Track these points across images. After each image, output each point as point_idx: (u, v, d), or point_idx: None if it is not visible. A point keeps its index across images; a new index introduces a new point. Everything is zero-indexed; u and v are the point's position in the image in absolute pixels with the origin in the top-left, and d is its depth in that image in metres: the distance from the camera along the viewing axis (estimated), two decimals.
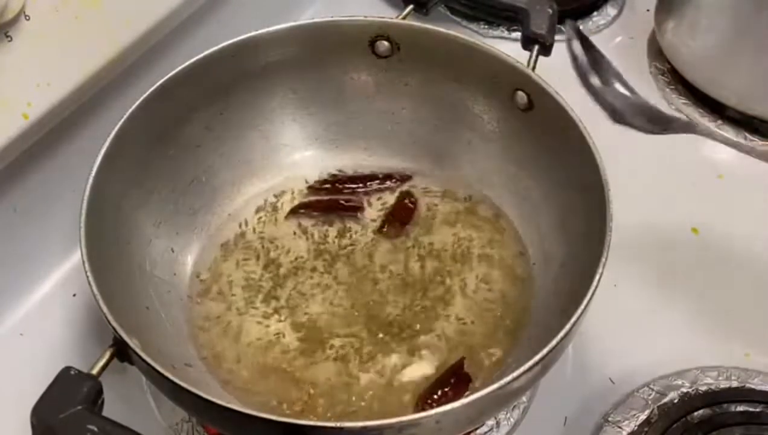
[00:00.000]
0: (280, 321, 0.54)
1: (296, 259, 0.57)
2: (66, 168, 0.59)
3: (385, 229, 0.59)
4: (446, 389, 0.50)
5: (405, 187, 0.62)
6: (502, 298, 0.55)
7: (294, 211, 0.60)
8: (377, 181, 0.62)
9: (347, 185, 0.62)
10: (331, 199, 0.61)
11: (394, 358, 0.52)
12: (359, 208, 0.60)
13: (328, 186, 0.62)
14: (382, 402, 0.50)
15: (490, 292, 0.55)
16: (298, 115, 0.62)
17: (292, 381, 0.51)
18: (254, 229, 0.59)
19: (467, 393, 0.50)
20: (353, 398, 0.50)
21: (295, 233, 0.59)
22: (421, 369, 0.52)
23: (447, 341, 0.53)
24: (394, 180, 0.62)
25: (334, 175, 0.62)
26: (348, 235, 0.59)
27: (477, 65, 0.57)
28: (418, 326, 0.53)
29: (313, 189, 0.62)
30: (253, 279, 0.56)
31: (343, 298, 0.55)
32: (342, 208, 0.60)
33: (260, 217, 0.60)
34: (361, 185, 0.62)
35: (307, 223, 0.60)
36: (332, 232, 0.59)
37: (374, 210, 0.60)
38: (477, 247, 0.58)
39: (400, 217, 0.59)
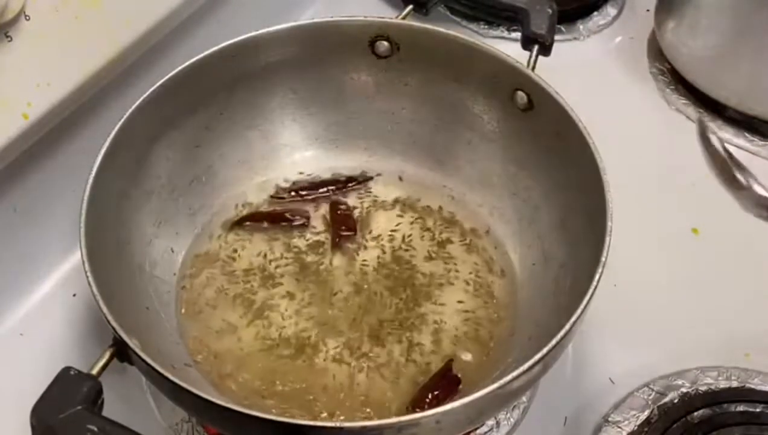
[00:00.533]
0: (269, 335, 0.53)
1: (268, 271, 0.57)
2: (66, 168, 0.59)
3: (338, 241, 0.58)
4: (436, 392, 0.50)
5: (360, 190, 0.62)
6: (485, 288, 0.56)
7: (238, 224, 0.59)
8: (338, 186, 0.62)
9: (310, 192, 0.61)
10: (275, 212, 0.60)
11: (393, 355, 0.52)
12: (306, 221, 0.59)
13: (293, 193, 0.61)
14: (378, 403, 0.50)
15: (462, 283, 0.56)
16: (298, 115, 0.62)
17: (292, 392, 0.51)
18: (221, 246, 0.58)
19: (458, 395, 0.50)
20: (352, 400, 0.50)
21: (260, 252, 0.58)
22: (417, 365, 0.52)
23: (438, 334, 0.53)
24: (355, 182, 0.62)
25: (294, 183, 0.62)
26: (310, 248, 0.58)
27: (477, 65, 0.57)
28: (405, 324, 0.54)
29: (275, 198, 0.61)
30: (226, 292, 0.56)
31: (328, 306, 0.55)
32: (286, 220, 0.59)
33: (220, 235, 0.59)
34: (323, 190, 0.61)
35: (264, 236, 0.59)
36: (294, 243, 0.58)
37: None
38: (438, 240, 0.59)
39: (344, 226, 0.59)
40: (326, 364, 0.52)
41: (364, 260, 0.57)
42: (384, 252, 0.58)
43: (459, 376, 0.51)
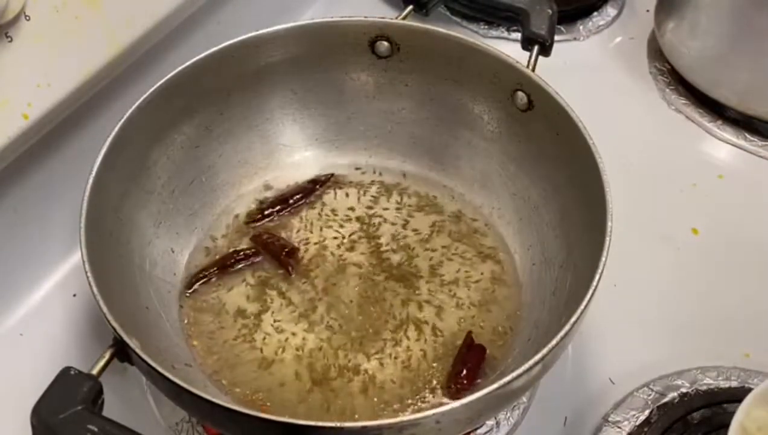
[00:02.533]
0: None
1: (255, 313, 0.55)
2: (66, 168, 0.59)
3: (289, 270, 0.57)
4: (468, 365, 0.50)
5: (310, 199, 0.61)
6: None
7: (190, 287, 0.56)
8: (303, 194, 0.61)
9: (277, 208, 0.60)
10: (221, 260, 0.57)
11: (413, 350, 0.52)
12: (255, 255, 0.57)
13: (262, 216, 0.60)
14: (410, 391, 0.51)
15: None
16: (298, 115, 0.62)
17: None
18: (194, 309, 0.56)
19: (485, 362, 0.51)
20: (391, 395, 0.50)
21: (243, 283, 0.56)
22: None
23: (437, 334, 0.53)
24: (319, 184, 0.62)
25: (261, 202, 0.61)
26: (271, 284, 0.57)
27: (477, 65, 0.57)
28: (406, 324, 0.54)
29: (248, 224, 0.59)
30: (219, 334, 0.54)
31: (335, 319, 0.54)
32: (236, 262, 0.57)
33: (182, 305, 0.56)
34: (292, 201, 0.60)
35: (226, 285, 0.56)
36: (260, 278, 0.56)
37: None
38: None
39: (280, 252, 0.57)
40: (351, 377, 0.51)
41: (341, 265, 0.57)
42: (376, 251, 0.58)
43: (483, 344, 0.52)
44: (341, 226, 0.60)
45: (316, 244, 0.58)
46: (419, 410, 0.49)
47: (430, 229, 0.59)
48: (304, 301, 0.55)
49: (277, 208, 0.60)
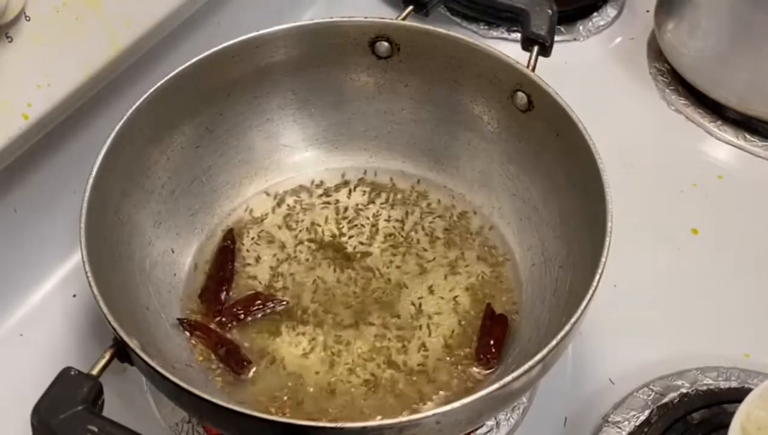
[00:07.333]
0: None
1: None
2: (66, 168, 0.59)
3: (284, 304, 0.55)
4: (495, 334, 0.51)
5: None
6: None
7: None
8: (227, 261, 0.57)
9: (220, 288, 0.55)
10: (217, 338, 0.53)
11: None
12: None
13: (220, 308, 0.54)
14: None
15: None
16: (298, 115, 0.62)
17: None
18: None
19: (509, 329, 0.52)
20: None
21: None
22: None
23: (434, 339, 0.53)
24: (230, 241, 0.58)
25: (199, 294, 0.55)
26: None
27: (477, 66, 0.57)
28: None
29: (216, 318, 0.54)
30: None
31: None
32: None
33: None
34: (225, 271, 0.56)
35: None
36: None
37: None
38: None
39: (245, 305, 0.54)
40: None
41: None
42: (375, 252, 0.58)
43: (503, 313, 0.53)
44: (338, 230, 0.60)
45: (311, 258, 0.58)
46: (461, 385, 0.50)
47: (429, 229, 0.59)
48: (315, 321, 0.54)
49: (217, 289, 0.55)
